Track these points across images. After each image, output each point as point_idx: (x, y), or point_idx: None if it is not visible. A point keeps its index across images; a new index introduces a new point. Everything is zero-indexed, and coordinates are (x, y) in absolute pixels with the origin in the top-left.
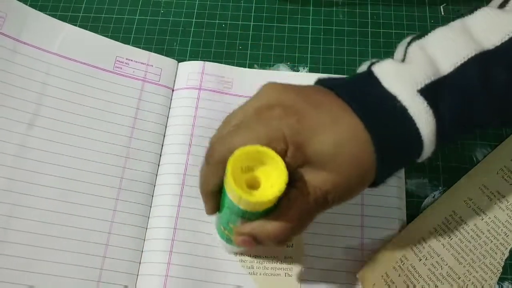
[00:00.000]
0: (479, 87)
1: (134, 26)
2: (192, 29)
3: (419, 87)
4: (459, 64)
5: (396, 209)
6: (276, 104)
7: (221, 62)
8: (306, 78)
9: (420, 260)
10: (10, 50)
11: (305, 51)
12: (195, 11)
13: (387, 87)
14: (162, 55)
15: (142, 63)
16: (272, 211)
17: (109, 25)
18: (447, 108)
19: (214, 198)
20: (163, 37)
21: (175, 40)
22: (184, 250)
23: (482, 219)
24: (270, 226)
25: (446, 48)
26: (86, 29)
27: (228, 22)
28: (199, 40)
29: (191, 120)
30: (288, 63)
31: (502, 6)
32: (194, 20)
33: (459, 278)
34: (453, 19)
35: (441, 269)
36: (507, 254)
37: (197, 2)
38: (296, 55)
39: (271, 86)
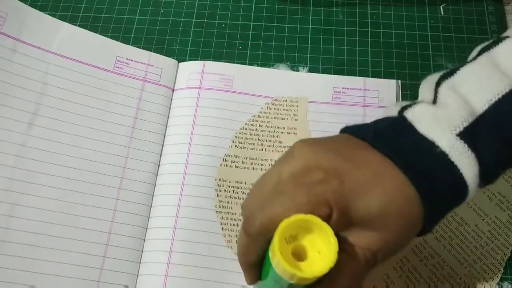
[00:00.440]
0: None
1: (134, 26)
2: (192, 29)
3: (457, 131)
4: (493, 101)
5: None
6: (315, 167)
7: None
8: (306, 78)
9: (421, 260)
10: (10, 50)
11: (305, 51)
12: (195, 11)
13: (424, 133)
14: (162, 55)
15: (142, 63)
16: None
17: (109, 25)
18: (487, 148)
19: (256, 269)
20: (163, 37)
21: (175, 40)
22: (185, 250)
23: (483, 220)
24: None
25: (478, 86)
26: (86, 29)
27: (228, 22)
28: (199, 40)
29: (191, 120)
30: (288, 63)
31: None
32: (194, 20)
33: (460, 278)
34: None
35: (442, 270)
36: (508, 254)
37: (197, 2)
38: (296, 55)
39: (305, 145)
